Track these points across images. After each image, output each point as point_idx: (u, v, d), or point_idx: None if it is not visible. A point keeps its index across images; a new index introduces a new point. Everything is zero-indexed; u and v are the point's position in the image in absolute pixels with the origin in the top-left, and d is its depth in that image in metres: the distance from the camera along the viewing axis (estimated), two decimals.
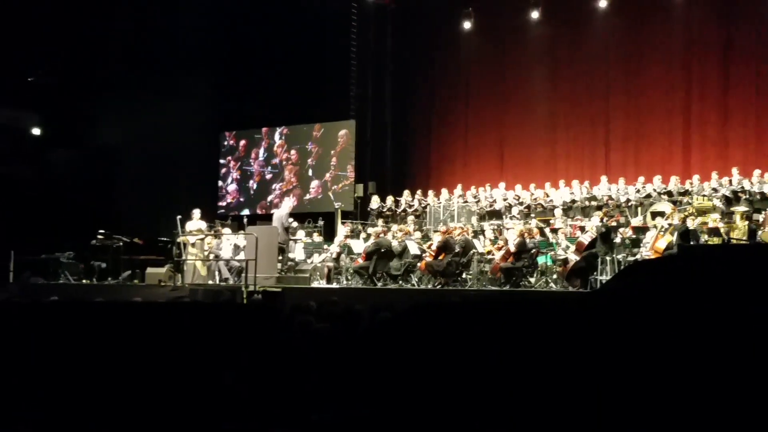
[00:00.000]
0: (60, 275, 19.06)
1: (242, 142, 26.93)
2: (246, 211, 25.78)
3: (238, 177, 26.87)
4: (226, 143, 27.15)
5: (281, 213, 18.10)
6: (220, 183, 27.08)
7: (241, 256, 17.49)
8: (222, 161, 27.12)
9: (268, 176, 26.35)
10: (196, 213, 18.05)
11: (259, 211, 25.53)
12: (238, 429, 4.34)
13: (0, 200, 21.88)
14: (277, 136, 26.29)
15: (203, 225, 18.11)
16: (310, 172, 25.58)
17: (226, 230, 19.27)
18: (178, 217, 17.43)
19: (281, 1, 24.85)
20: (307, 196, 25.44)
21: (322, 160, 25.39)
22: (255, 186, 26.60)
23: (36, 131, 24.17)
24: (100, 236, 19.30)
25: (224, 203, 26.88)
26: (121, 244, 19.26)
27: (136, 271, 19.04)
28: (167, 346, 4.56)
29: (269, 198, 25.94)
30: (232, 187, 26.88)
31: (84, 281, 18.86)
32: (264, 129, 26.45)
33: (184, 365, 4.48)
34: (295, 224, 19.32)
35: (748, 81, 21.78)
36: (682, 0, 22.63)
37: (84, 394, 4.35)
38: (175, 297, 14.80)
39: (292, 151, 25.90)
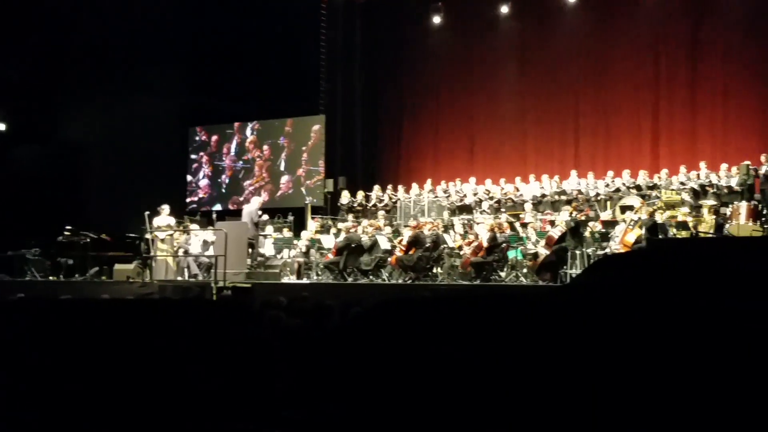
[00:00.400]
0: (26, 272, 18.86)
1: (214, 138, 26.75)
2: (218, 207, 25.66)
3: (210, 173, 26.69)
4: (197, 138, 26.96)
5: (251, 208, 18.04)
6: (189, 178, 26.88)
7: (210, 251, 17.40)
8: (194, 156, 26.92)
9: (240, 172, 26.22)
10: (165, 209, 17.92)
11: (230, 207, 25.40)
12: (207, 426, 4.31)
13: None
14: (248, 132, 26.15)
15: (172, 221, 17.99)
16: (282, 167, 25.47)
17: (195, 226, 19.17)
18: (146, 213, 17.31)
19: None
20: (279, 192, 25.34)
21: (294, 155, 25.29)
22: (227, 181, 26.45)
23: (1, 127, 23.90)
24: (66, 233, 19.13)
25: (196, 198, 26.71)
26: (89, 240, 19.09)
27: (103, 267, 18.89)
28: (136, 343, 4.52)
29: (242, 193, 25.80)
30: (204, 183, 26.71)
31: (51, 278, 18.69)
32: (236, 124, 26.29)
33: (154, 362, 4.44)
34: (265, 217, 19.25)
35: (715, 76, 21.96)
36: None
37: (51, 393, 4.29)
38: (143, 293, 14.71)
39: (264, 147, 25.77)
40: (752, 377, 2.86)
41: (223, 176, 26.49)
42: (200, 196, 26.70)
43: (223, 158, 26.52)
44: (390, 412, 3.37)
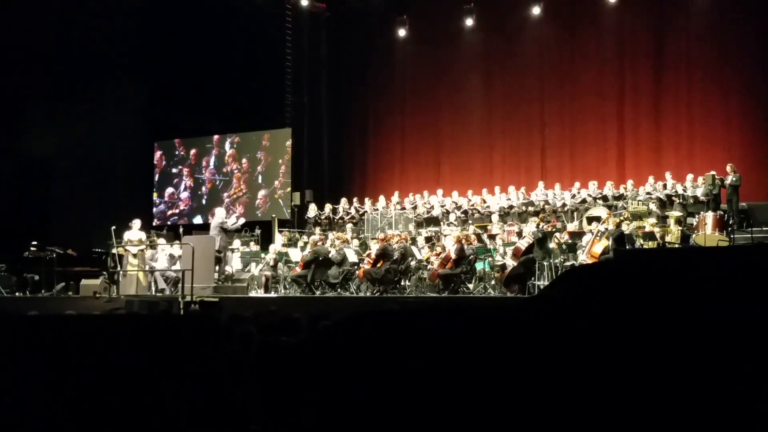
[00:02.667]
0: None
1: (192, 151, 26.58)
2: (198, 219, 25.58)
3: (191, 185, 26.50)
4: (176, 152, 26.76)
5: (218, 220, 17.95)
6: (171, 190, 26.66)
7: (177, 266, 17.29)
8: (174, 170, 26.73)
9: (219, 184, 26.07)
10: (136, 223, 17.78)
11: (210, 220, 25.21)
12: None
13: None
14: (227, 145, 26.00)
15: (143, 235, 17.87)
16: (259, 180, 25.35)
17: (162, 240, 19.04)
18: (113, 227, 17.17)
19: (215, 8, 24.62)
20: (257, 204, 25.20)
21: (271, 168, 25.18)
22: (207, 194, 26.27)
23: None
24: (32, 248, 18.93)
25: (177, 210, 26.49)
26: (55, 255, 18.90)
27: (70, 282, 18.71)
28: (104, 359, 4.48)
29: (222, 205, 25.66)
30: (184, 195, 26.51)
31: (17, 294, 18.48)
32: (215, 137, 26.13)
33: (121, 378, 4.40)
34: (242, 221, 19.05)
35: (679, 86, 22.21)
36: (614, 7, 23.00)
37: (17, 411, 4.24)
38: (110, 308, 14.57)
39: (243, 160, 25.64)
40: (722, 389, 2.88)
41: (203, 188, 26.32)
42: (181, 208, 26.49)
43: (203, 171, 26.35)
44: (358, 425, 3.36)
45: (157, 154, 26.94)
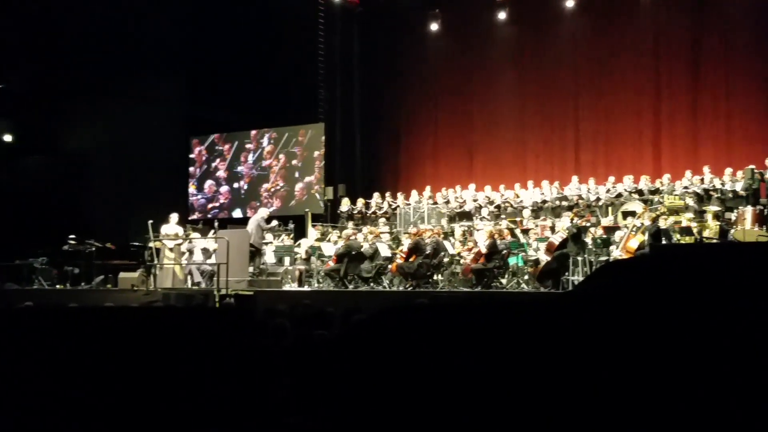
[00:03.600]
0: (34, 281, 18.99)
1: (227, 146, 26.74)
2: (237, 212, 25.81)
3: (229, 178, 26.69)
4: (216, 147, 26.92)
5: (258, 216, 18.10)
6: (210, 182, 26.85)
7: (212, 260, 17.43)
8: (213, 164, 26.87)
9: (257, 178, 26.20)
10: (173, 217, 17.97)
11: (249, 213, 25.30)
12: None
13: None
14: (265, 140, 26.11)
15: (180, 230, 18.04)
16: (296, 174, 25.46)
17: (196, 234, 19.20)
18: (150, 221, 17.35)
19: (249, 4, 24.75)
20: (293, 201, 25.31)
21: (306, 163, 25.27)
22: (245, 188, 26.41)
23: (7, 138, 23.98)
24: (72, 242, 19.20)
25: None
26: (94, 249, 19.17)
27: (108, 276, 18.97)
28: (141, 351, 4.53)
29: (259, 199, 25.76)
30: (224, 188, 26.68)
31: (57, 286, 18.77)
32: (252, 132, 26.26)
33: (158, 370, 4.45)
34: (274, 222, 19.25)
35: (716, 80, 21.95)
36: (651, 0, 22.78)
37: (59, 401, 4.31)
38: (147, 301, 14.75)
39: (280, 155, 25.75)
40: (759, 382, 2.87)
41: (242, 182, 26.46)
42: (221, 201, 26.66)
43: (241, 165, 26.47)
44: (392, 419, 3.38)
45: (197, 149, 27.11)
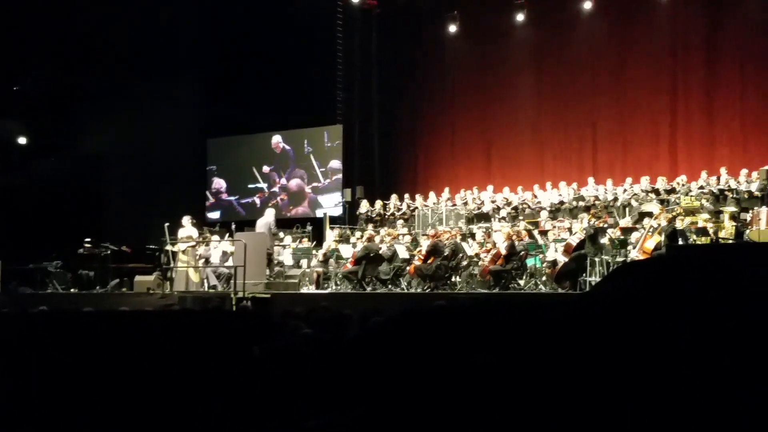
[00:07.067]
0: (48, 285, 18.98)
1: (247, 146, 26.75)
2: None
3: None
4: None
5: (267, 220, 18.12)
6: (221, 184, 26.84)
7: (230, 262, 17.44)
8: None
9: (276, 180, 26.18)
10: (186, 220, 17.94)
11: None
12: None
13: None
14: (282, 142, 26.08)
15: (195, 232, 18.04)
16: (315, 175, 25.47)
17: (215, 237, 19.22)
18: (166, 224, 17.37)
19: (267, 6, 24.78)
20: (311, 200, 25.30)
21: (324, 164, 25.27)
22: (267, 189, 26.39)
23: (22, 140, 24.08)
24: (87, 245, 19.22)
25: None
26: (109, 252, 19.18)
27: (124, 279, 18.98)
28: (158, 354, 4.54)
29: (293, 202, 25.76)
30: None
31: (72, 290, 18.78)
32: (270, 134, 26.24)
33: (175, 373, 4.45)
34: (280, 234, 19.36)
35: (732, 81, 21.87)
36: (667, 1, 22.69)
37: (74, 405, 4.32)
38: (163, 305, 14.75)
39: (298, 156, 25.76)
40: None
41: (265, 183, 26.43)
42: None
43: (262, 167, 26.41)
44: (411, 422, 3.36)
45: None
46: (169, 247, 17.52)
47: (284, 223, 22.16)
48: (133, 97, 23.33)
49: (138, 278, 18.18)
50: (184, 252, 17.55)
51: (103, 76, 23.38)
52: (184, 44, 24.08)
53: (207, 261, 18.19)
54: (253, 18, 24.92)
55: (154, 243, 19.01)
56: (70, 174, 23.64)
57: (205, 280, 17.85)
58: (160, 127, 23.58)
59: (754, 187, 18.25)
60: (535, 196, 21.07)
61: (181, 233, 17.71)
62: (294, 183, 25.78)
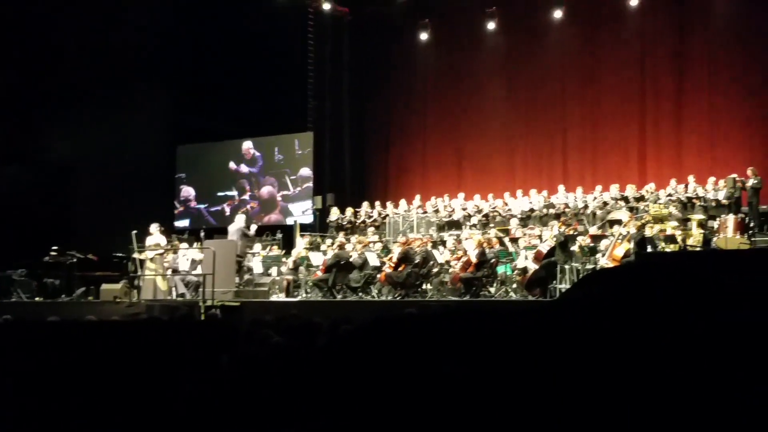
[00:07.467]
0: (12, 293, 18.70)
1: (215, 154, 26.62)
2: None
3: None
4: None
5: (238, 226, 18.06)
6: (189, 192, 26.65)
7: (198, 270, 17.33)
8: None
9: (245, 187, 26.06)
10: (154, 227, 17.81)
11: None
12: None
13: None
14: (252, 149, 25.97)
15: (162, 240, 17.90)
16: (284, 183, 25.39)
17: (183, 245, 19.09)
18: (134, 232, 17.23)
19: (237, 12, 24.68)
20: (280, 207, 25.20)
21: (294, 172, 25.18)
22: (237, 196, 26.24)
23: None
24: (53, 253, 19.00)
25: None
26: (75, 260, 18.96)
27: (90, 287, 18.75)
28: (125, 364, 4.49)
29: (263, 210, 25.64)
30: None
31: (37, 299, 18.54)
32: (239, 141, 26.13)
33: (143, 382, 4.40)
34: (254, 228, 19.28)
35: (701, 89, 22.08)
36: (636, 10, 22.87)
37: (39, 415, 4.26)
38: (131, 314, 14.60)
39: (267, 163, 25.66)
40: (743, 389, 2.85)
41: (233, 190, 26.29)
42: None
43: (232, 174, 26.27)
44: (381, 428, 3.34)
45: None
46: (136, 255, 17.37)
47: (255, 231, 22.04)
48: (101, 104, 23.11)
49: (105, 286, 17.96)
50: (151, 260, 17.40)
51: (70, 83, 23.12)
52: (153, 50, 23.89)
53: (175, 269, 18.05)
54: (224, 24, 24.80)
55: (122, 251, 18.83)
56: (36, 181, 23.37)
57: (173, 289, 17.70)
58: (129, 133, 23.38)
59: (721, 195, 18.45)
60: (506, 204, 21.14)
61: (149, 241, 17.57)
62: (265, 191, 25.67)
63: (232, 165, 26.29)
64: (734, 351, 3.00)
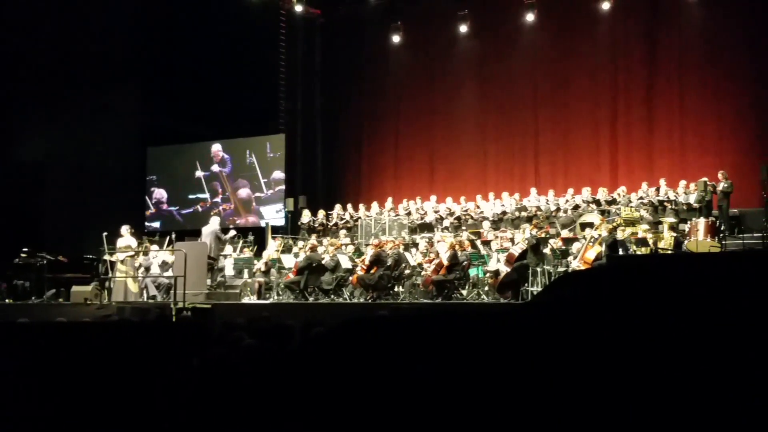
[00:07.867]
0: None
1: (187, 155, 26.48)
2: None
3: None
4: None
5: (212, 228, 18.00)
6: (162, 194, 26.51)
7: (169, 272, 17.25)
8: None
9: (216, 189, 25.95)
10: (125, 229, 17.71)
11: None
12: None
13: None
14: (222, 150, 25.87)
15: (133, 242, 17.80)
16: (256, 185, 25.31)
17: (154, 246, 18.99)
18: (104, 233, 17.12)
19: (208, 13, 24.59)
20: (251, 209, 25.12)
21: (265, 174, 25.11)
22: (208, 197, 26.12)
23: None
24: (23, 254, 18.84)
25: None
26: (45, 262, 18.81)
27: (60, 289, 18.63)
28: (95, 367, 4.45)
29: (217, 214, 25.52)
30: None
31: (7, 301, 18.39)
32: (209, 143, 26.02)
33: (113, 385, 4.37)
34: (232, 233, 19.22)
35: (672, 93, 22.24)
36: (608, 14, 23.01)
37: (9, 419, 4.22)
38: (101, 315, 14.50)
39: (238, 165, 25.57)
40: (715, 390, 2.87)
41: (205, 192, 26.16)
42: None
43: (201, 175, 26.13)
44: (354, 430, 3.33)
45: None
46: (107, 257, 17.27)
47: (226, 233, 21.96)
48: (71, 105, 22.95)
49: (75, 288, 17.83)
50: (122, 262, 17.31)
51: (40, 85, 22.94)
52: (123, 51, 23.76)
53: (147, 270, 17.96)
54: (196, 25, 24.69)
55: (92, 252, 18.72)
56: (5, 182, 23.14)
57: (144, 291, 17.62)
58: (100, 134, 23.23)
59: (692, 199, 18.60)
60: (478, 207, 21.19)
61: (120, 243, 17.47)
62: (244, 192, 25.59)
63: (198, 173, 26.16)
64: (701, 352, 3.02)
